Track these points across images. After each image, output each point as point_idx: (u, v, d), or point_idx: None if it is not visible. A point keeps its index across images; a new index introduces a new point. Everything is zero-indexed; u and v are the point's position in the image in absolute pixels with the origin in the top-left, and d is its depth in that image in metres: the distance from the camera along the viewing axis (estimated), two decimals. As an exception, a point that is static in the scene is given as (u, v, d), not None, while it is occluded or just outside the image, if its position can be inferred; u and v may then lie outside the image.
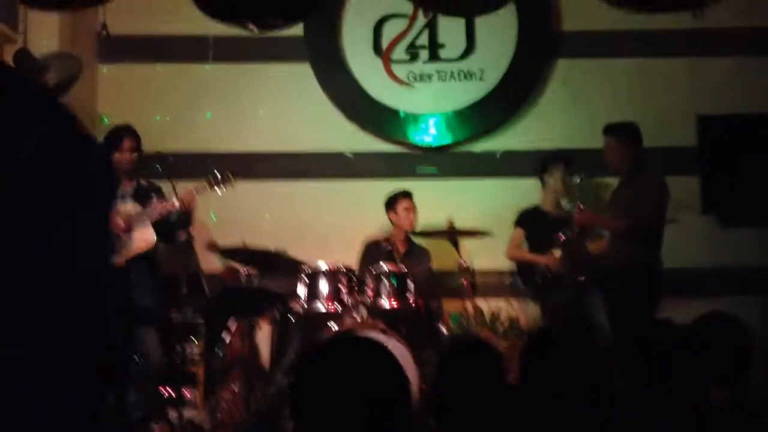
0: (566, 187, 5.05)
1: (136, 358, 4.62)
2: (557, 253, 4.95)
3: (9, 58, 5.15)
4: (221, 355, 4.91)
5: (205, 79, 6.00)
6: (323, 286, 4.51)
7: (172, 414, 4.49)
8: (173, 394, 4.70)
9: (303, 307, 4.55)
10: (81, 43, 5.63)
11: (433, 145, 5.90)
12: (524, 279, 5.29)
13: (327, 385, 1.64)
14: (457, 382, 2.45)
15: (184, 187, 4.70)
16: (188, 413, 4.56)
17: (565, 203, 5.08)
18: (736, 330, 2.52)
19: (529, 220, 5.31)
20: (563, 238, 4.70)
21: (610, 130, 4.75)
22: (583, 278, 4.66)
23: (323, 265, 4.57)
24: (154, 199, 4.58)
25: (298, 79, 5.96)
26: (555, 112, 5.91)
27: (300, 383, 1.70)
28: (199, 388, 5.04)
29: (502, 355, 2.59)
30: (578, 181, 4.90)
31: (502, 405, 2.54)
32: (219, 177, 4.69)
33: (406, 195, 5.26)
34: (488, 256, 5.43)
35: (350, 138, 5.93)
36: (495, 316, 4.44)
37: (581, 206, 4.72)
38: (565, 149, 5.63)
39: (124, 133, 4.70)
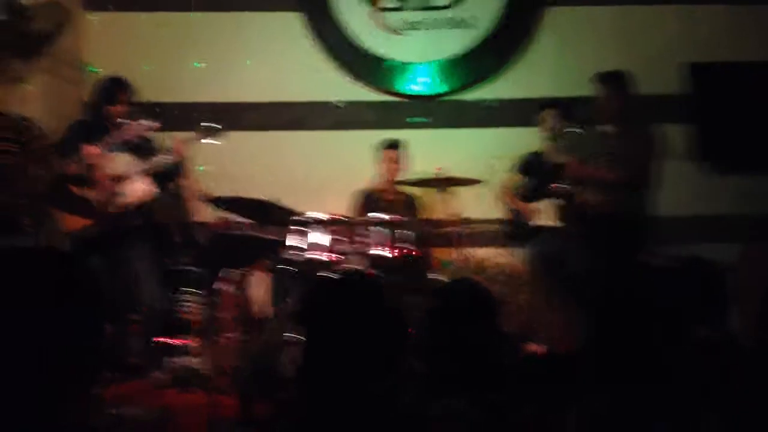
0: (557, 134, 5.07)
1: (136, 307, 4.67)
2: (543, 203, 5.01)
3: (-7, 7, 5.10)
4: (216, 303, 4.96)
5: (192, 29, 5.94)
6: (318, 235, 4.53)
7: (170, 361, 4.55)
8: (171, 342, 4.76)
9: (297, 255, 4.58)
10: (67, -10, 5.55)
11: (424, 94, 5.89)
12: (509, 227, 5.36)
13: (327, 324, 1.67)
14: (451, 321, 2.49)
15: (174, 137, 4.69)
16: (186, 361, 4.61)
17: (558, 151, 5.10)
18: (711, 272, 2.58)
19: (527, 166, 5.35)
20: (556, 188, 4.74)
21: (599, 78, 4.76)
22: (574, 229, 4.71)
23: (317, 215, 4.59)
24: (129, 122, 4.55)
25: (288, 29, 5.92)
26: (545, 60, 5.90)
27: (306, 314, 1.74)
28: (196, 336, 5.10)
29: (498, 301, 2.63)
30: (568, 129, 4.92)
31: (493, 347, 2.58)
32: (209, 127, 4.68)
33: (389, 146, 5.27)
34: (478, 204, 5.47)
35: (340, 88, 5.92)
36: (484, 263, 4.50)
37: (572, 156, 4.75)
38: (556, 98, 5.64)
39: (118, 85, 4.68)
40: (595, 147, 4.88)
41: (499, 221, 5.51)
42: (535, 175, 5.25)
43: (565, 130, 4.97)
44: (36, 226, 4.39)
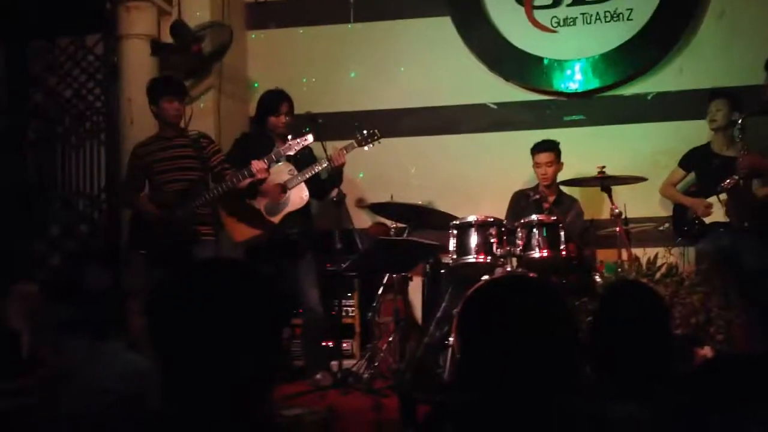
0: (727, 125, 4.78)
1: (300, 310, 4.84)
2: (713, 199, 4.75)
3: (166, 30, 5.46)
4: (377, 307, 5.06)
5: (347, 40, 6.10)
6: (473, 238, 4.51)
7: (333, 364, 4.68)
8: (332, 346, 4.90)
9: (453, 259, 4.58)
10: (230, 12, 5.85)
11: (580, 91, 5.73)
12: (675, 223, 5.13)
13: (493, 319, 1.64)
14: (620, 325, 2.39)
15: (333, 146, 4.83)
16: (348, 364, 4.73)
17: (728, 143, 4.81)
18: None
19: (693, 161, 5.10)
20: (729, 182, 4.47)
21: None
22: (747, 224, 4.43)
23: (472, 218, 4.57)
24: (290, 138, 4.71)
25: (440, 34, 5.95)
26: (710, 48, 5.59)
27: (466, 318, 1.72)
28: (356, 339, 5.23)
29: (666, 302, 2.51)
30: (740, 119, 4.62)
31: (662, 351, 2.46)
32: (366, 135, 4.79)
33: (541, 148, 5.17)
34: (643, 202, 5.27)
35: (494, 89, 5.87)
36: (651, 263, 4.30)
37: (746, 148, 4.48)
38: (723, 88, 5.33)
39: (280, 97, 4.88)
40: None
41: (666, 219, 5.28)
42: (702, 169, 4.98)
43: (736, 121, 4.68)
44: (215, 236, 4.66)
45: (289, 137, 4.70)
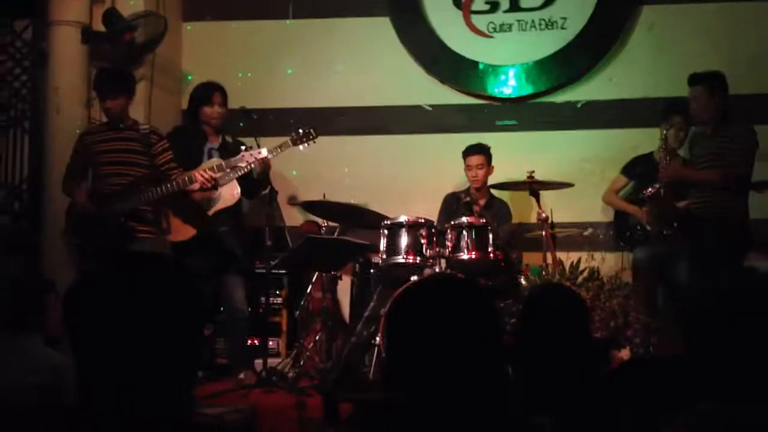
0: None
1: (224, 309, 4.79)
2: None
3: (98, 18, 5.34)
4: (304, 306, 5.04)
5: (285, 36, 6.06)
6: (403, 238, 4.54)
7: (258, 363, 4.64)
8: (258, 344, 4.86)
9: (383, 259, 4.60)
10: (166, 2, 5.75)
11: (513, 97, 5.82)
12: (617, 230, 5.26)
13: (421, 319, 1.64)
14: (541, 326, 2.44)
15: (268, 142, 4.79)
16: (273, 362, 4.70)
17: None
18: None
19: (635, 169, 5.23)
20: (650, 191, 4.59)
21: (696, 79, 4.60)
22: (668, 232, 4.57)
23: (403, 218, 4.60)
24: (242, 152, 4.66)
25: (378, 34, 5.96)
26: (639, 59, 5.73)
27: (394, 318, 1.72)
28: (283, 338, 5.20)
29: (589, 306, 2.57)
30: (665, 130, 4.73)
31: (584, 352, 2.52)
32: (302, 134, 4.75)
33: (472, 151, 5.23)
34: (569, 208, 5.38)
35: (430, 91, 5.91)
36: (574, 268, 4.41)
37: (668, 158, 4.61)
38: (650, 98, 5.49)
39: (212, 87, 4.83)
40: (691, 149, 4.73)
41: (590, 225, 5.41)
42: (642, 178, 5.10)
43: (688, 134, 4.77)
44: (155, 235, 4.56)
45: (242, 148, 4.64)
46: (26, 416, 2.60)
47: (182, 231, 4.68)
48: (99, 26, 5.34)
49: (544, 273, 4.46)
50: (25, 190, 5.32)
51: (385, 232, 4.59)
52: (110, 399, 1.37)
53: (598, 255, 4.50)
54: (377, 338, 4.34)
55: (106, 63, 5.20)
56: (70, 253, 4.67)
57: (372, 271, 4.83)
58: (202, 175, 4.46)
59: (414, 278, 4.39)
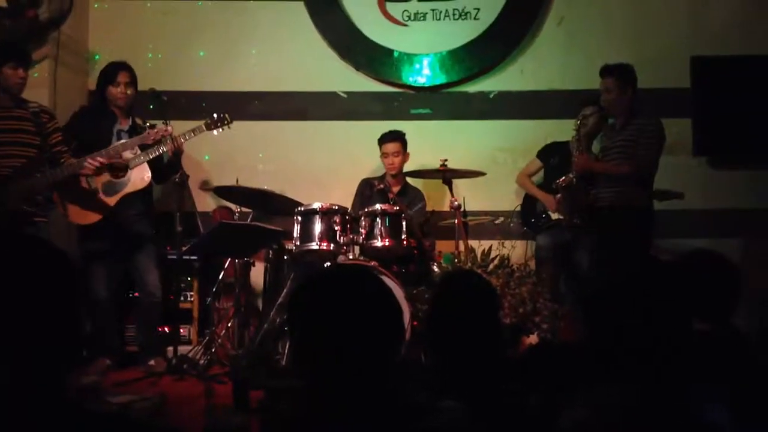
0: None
1: (138, 292, 4.68)
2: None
3: (0, -6, 5.09)
4: (216, 292, 4.97)
5: (198, 17, 5.93)
6: (317, 225, 4.53)
7: (168, 349, 4.56)
8: (169, 331, 4.77)
9: (296, 246, 4.58)
10: (72, -22, 5.52)
11: (427, 86, 5.86)
12: (524, 215, 5.37)
13: (322, 310, 1.66)
14: (452, 312, 2.47)
15: (180, 126, 4.69)
16: (184, 349, 4.63)
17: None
18: (720, 265, 2.55)
19: (549, 155, 5.33)
20: (564, 180, 4.70)
21: (607, 71, 4.72)
22: (577, 221, 4.69)
23: (317, 204, 4.58)
24: (147, 129, 4.58)
25: (293, 18, 5.89)
26: (550, 52, 5.86)
27: (297, 308, 1.73)
28: (194, 324, 5.12)
29: (497, 292, 2.63)
30: (579, 119, 4.84)
31: (493, 338, 2.57)
32: (216, 119, 4.68)
33: (388, 138, 5.25)
34: (481, 197, 5.48)
35: (345, 78, 5.89)
36: (486, 255, 4.49)
37: (581, 148, 4.71)
38: (561, 90, 5.63)
39: (118, 67, 4.69)
40: (601, 140, 4.86)
41: (501, 213, 5.52)
42: (551, 163, 5.22)
43: (604, 124, 4.87)
44: (47, 218, 4.40)
45: (139, 122, 4.55)
46: None
47: (86, 214, 4.54)
48: (1, 2, 5.10)
49: (456, 260, 4.52)
50: None
51: (299, 218, 4.57)
52: None
53: (508, 243, 4.59)
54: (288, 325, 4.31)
55: (8, 40, 4.97)
56: None
57: (285, 257, 4.79)
58: (91, 162, 4.34)
59: (327, 265, 4.38)
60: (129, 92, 4.70)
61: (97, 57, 5.76)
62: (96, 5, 5.93)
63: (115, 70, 4.70)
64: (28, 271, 1.35)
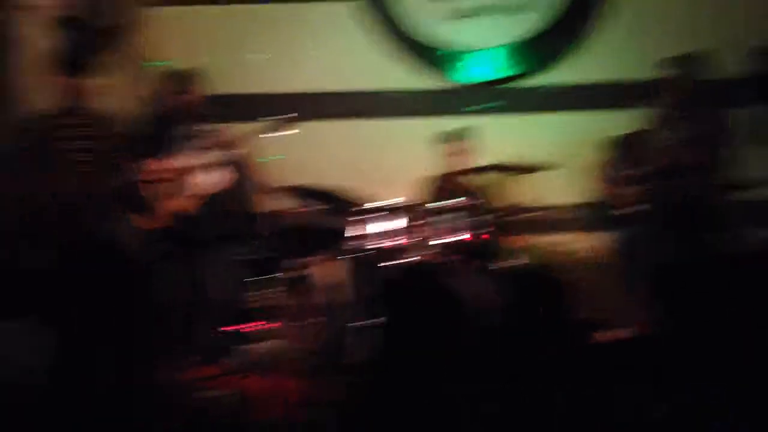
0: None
1: (208, 293, 4.77)
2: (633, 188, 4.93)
3: (64, 3, 5.23)
4: (285, 291, 5.02)
5: (257, 20, 5.99)
6: (387, 222, 4.56)
7: (241, 348, 4.63)
8: (244, 329, 4.85)
9: (364, 244, 4.61)
10: (132, -14, 5.66)
11: (486, 81, 5.86)
12: (596, 210, 5.32)
13: (406, 306, 1.68)
14: (527, 308, 2.48)
15: (241, 129, 4.76)
16: (260, 347, 4.70)
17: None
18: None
19: (621, 147, 5.27)
20: (634, 172, 4.65)
21: (669, 61, 4.67)
22: (650, 212, 4.64)
23: (385, 203, 4.61)
24: (207, 133, 4.67)
25: (349, 18, 5.93)
26: (615, 41, 5.79)
27: (383, 303, 1.75)
28: (268, 323, 5.18)
29: (571, 287, 2.63)
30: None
31: (569, 333, 2.57)
32: (280, 120, 4.75)
33: (453, 137, 5.27)
34: (552, 191, 5.42)
35: (401, 76, 5.90)
36: (560, 250, 4.46)
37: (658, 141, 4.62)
38: (622, 81, 5.57)
39: (186, 75, 4.77)
40: (666, 132, 4.80)
41: (577, 207, 5.46)
42: (626, 158, 5.17)
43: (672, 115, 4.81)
44: (115, 222, 4.52)
45: (203, 127, 4.63)
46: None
47: (154, 218, 4.64)
48: (67, 12, 5.25)
49: (529, 255, 4.50)
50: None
51: (368, 216, 4.60)
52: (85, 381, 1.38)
53: (579, 236, 4.56)
54: (362, 321, 4.35)
55: (74, 50, 5.10)
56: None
57: (354, 255, 4.83)
58: (157, 166, 4.41)
59: (398, 262, 4.40)
60: (193, 98, 4.78)
61: (158, 64, 5.86)
62: (156, 13, 6.03)
63: (184, 78, 4.78)
64: (117, 279, 1.42)
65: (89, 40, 5.29)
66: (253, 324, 5.03)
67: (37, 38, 5.14)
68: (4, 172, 4.94)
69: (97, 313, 1.41)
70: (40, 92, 4.74)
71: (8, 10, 5.18)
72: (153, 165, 4.48)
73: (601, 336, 4.01)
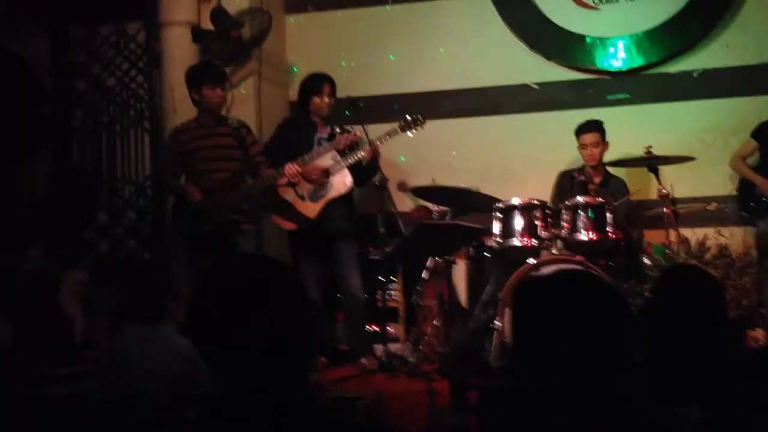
0: None
1: (342, 295, 4.86)
2: None
3: (205, 16, 5.48)
4: (420, 291, 5.05)
5: (386, 22, 6.06)
6: (517, 221, 4.47)
7: (377, 348, 4.69)
8: (377, 330, 4.91)
9: (498, 242, 4.54)
10: (269, -4, 5.84)
11: (624, 69, 5.64)
12: (741, 200, 5.04)
13: (550, 313, 1.64)
14: (676, 309, 2.36)
15: (375, 130, 4.82)
16: (393, 347, 4.73)
17: None
18: None
19: (765, 134, 4.99)
20: None
21: None
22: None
23: (516, 200, 4.53)
24: (338, 134, 4.76)
25: (478, 14, 5.88)
26: (757, 23, 5.44)
27: (522, 309, 1.72)
28: (401, 323, 5.23)
29: (721, 284, 2.47)
30: None
31: (721, 334, 2.43)
32: (410, 120, 4.77)
33: (586, 129, 5.11)
34: (691, 182, 5.18)
35: (536, 69, 5.79)
36: (701, 245, 4.23)
37: None
38: (764, 65, 5.21)
39: (322, 78, 4.89)
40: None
41: (714, 199, 5.18)
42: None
43: None
44: (254, 225, 4.71)
45: (338, 130, 4.73)
46: (165, 403, 2.71)
47: (292, 220, 4.78)
48: (207, 25, 5.48)
49: (668, 251, 4.30)
50: (149, 186, 5.55)
51: (499, 214, 4.53)
52: (244, 386, 1.44)
53: (725, 231, 4.30)
54: (495, 322, 4.30)
55: (216, 60, 5.32)
56: (178, 248, 4.83)
57: (487, 254, 4.78)
58: (288, 169, 4.55)
59: (530, 261, 4.31)
60: (331, 101, 4.89)
61: (295, 69, 6.04)
62: (292, 20, 6.22)
63: (318, 81, 4.89)
64: (272, 289, 1.49)
65: (231, 50, 5.51)
66: (388, 324, 5.09)
67: (182, 52, 5.39)
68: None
69: (249, 316, 1.50)
70: (185, 105, 4.96)
71: (155, 27, 5.48)
72: (291, 168, 4.62)
73: (751, 335, 3.79)
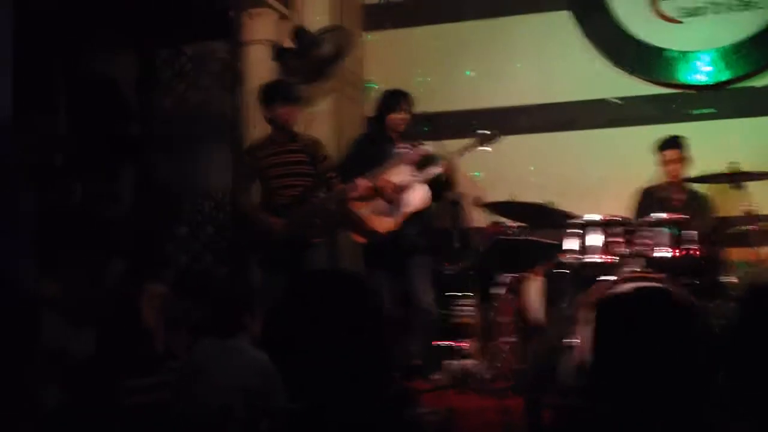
0: None
1: (414, 310, 4.86)
2: None
3: (285, 35, 5.59)
4: (493, 307, 5.00)
5: (462, 38, 6.07)
6: (596, 237, 4.38)
7: (451, 364, 4.66)
8: (450, 345, 4.88)
9: (576, 259, 4.46)
10: (347, 15, 5.92)
11: (709, 83, 5.49)
12: None
13: (631, 333, 1.62)
14: (761, 330, 2.27)
15: (451, 145, 4.82)
16: (464, 363, 4.70)
17: None
18: None
19: None
20: None
21: None
22: None
23: (595, 216, 4.44)
24: (408, 147, 4.77)
25: (556, 28, 5.85)
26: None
27: (603, 330, 1.69)
28: (475, 339, 5.19)
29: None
30: None
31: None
32: (486, 135, 4.76)
33: (668, 145, 4.98)
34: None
35: (616, 83, 5.71)
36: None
37: None
38: None
39: (399, 95, 4.93)
40: None
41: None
42: None
43: None
44: (326, 239, 4.76)
45: (409, 145, 4.76)
46: (241, 416, 2.76)
47: (367, 233, 4.81)
48: (287, 43, 5.59)
49: (755, 270, 4.14)
50: (228, 201, 5.68)
51: (578, 230, 4.45)
52: (319, 402, 1.45)
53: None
54: (572, 340, 4.21)
55: (297, 79, 5.41)
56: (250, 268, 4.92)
57: (564, 271, 4.70)
58: (360, 184, 4.57)
59: (608, 278, 4.22)
60: (407, 117, 4.92)
61: (372, 86, 6.10)
62: (369, 37, 6.29)
63: (396, 97, 4.93)
64: (347, 304, 1.51)
65: (311, 68, 5.60)
66: (461, 340, 5.05)
67: (263, 70, 5.51)
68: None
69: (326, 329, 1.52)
70: (264, 122, 5.06)
71: (235, 45, 5.61)
72: (365, 183, 4.66)
73: None
